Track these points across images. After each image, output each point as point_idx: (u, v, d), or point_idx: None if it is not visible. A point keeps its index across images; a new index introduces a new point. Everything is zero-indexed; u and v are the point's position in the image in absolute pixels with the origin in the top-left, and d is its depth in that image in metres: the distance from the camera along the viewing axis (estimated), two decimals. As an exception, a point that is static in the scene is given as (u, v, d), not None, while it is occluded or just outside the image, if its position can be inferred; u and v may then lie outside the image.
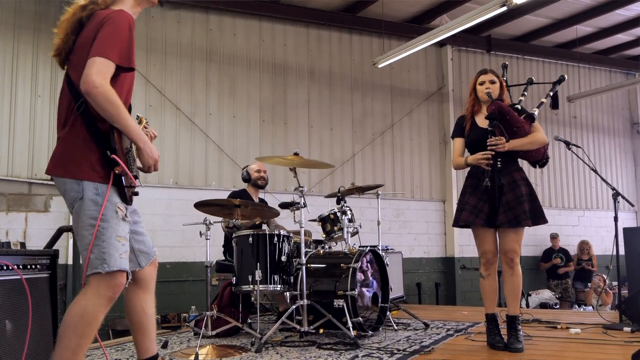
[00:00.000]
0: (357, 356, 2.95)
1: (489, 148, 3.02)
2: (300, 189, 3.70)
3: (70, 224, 5.73)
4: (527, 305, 6.64)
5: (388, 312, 3.88)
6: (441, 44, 8.32)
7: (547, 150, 3.30)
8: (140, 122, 2.22)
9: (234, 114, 7.06)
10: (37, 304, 2.32)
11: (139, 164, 2.01)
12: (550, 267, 8.72)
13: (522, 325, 4.06)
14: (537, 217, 3.10)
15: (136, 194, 1.97)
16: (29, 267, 2.29)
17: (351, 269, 3.56)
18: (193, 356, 2.98)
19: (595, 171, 4.14)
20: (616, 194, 4.05)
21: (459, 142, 3.30)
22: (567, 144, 4.25)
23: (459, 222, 3.20)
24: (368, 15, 7.80)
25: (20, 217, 5.86)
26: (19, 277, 2.21)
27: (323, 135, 7.65)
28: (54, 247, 3.81)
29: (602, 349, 3.17)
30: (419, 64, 8.42)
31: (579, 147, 4.39)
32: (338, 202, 4.09)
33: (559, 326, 3.95)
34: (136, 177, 1.98)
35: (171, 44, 6.74)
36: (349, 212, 4.00)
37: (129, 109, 2.05)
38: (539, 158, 3.27)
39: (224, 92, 7.02)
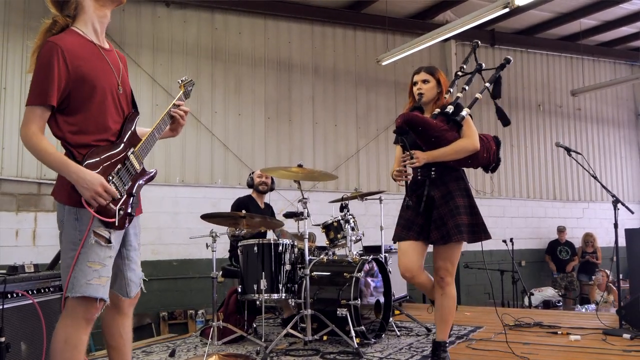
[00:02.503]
0: (359, 368, 3.04)
1: (402, 165, 2.69)
2: (304, 200, 3.77)
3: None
4: (530, 304, 6.71)
5: (391, 318, 3.97)
6: (445, 38, 8.29)
7: (493, 152, 2.89)
8: (180, 87, 2.28)
9: (239, 111, 7.11)
10: (50, 325, 2.41)
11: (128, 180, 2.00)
12: (557, 260, 8.80)
13: (524, 329, 4.18)
14: (476, 233, 2.73)
15: (130, 214, 1.96)
16: (42, 290, 2.38)
17: (354, 279, 3.65)
18: (201, 366, 3.09)
19: (595, 177, 4.16)
20: (616, 201, 4.08)
21: (398, 150, 2.92)
22: (568, 150, 4.28)
23: (394, 238, 2.91)
24: (372, 11, 7.78)
25: (29, 217, 5.97)
26: (32, 302, 2.30)
27: (327, 131, 7.69)
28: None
29: (600, 359, 3.24)
30: (422, 59, 8.39)
31: (579, 153, 4.42)
32: (341, 210, 4.16)
33: (559, 332, 4.02)
34: (131, 195, 1.97)
35: (177, 44, 6.77)
36: (352, 220, 4.08)
37: (134, 109, 2.07)
38: (483, 163, 2.88)
39: (229, 90, 7.06)
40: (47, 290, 2.41)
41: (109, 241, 1.89)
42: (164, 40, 6.70)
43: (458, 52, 8.66)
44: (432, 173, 2.80)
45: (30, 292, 2.29)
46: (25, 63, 6.01)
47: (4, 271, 2.27)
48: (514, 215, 9.08)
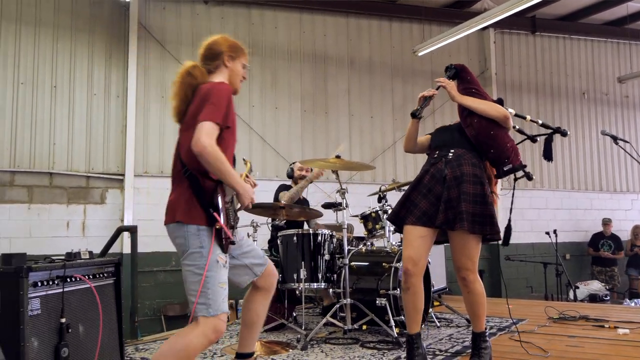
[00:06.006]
0: (399, 357, 3.07)
1: (435, 82, 2.84)
2: (342, 190, 3.81)
3: (126, 222, 6.04)
4: (575, 298, 6.54)
5: (430, 309, 3.98)
6: (483, 27, 8.15)
7: (519, 159, 2.75)
8: (245, 164, 2.65)
9: (276, 105, 7.20)
10: (105, 308, 2.55)
11: (237, 205, 2.29)
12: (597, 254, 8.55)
13: (569, 322, 4.10)
14: (481, 225, 2.58)
15: (232, 243, 2.22)
16: (97, 276, 2.52)
17: (393, 268, 3.67)
18: (244, 352, 3.19)
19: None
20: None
21: (411, 125, 2.94)
22: (615, 139, 4.13)
23: (390, 217, 2.84)
24: (407, 2, 7.74)
25: (79, 209, 6.24)
26: (89, 286, 2.43)
27: (363, 124, 7.70)
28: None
29: (649, 352, 3.16)
30: (460, 49, 8.29)
31: (627, 142, 4.27)
32: (379, 201, 4.17)
33: (606, 325, 3.91)
34: (233, 227, 2.25)
35: (215, 40, 6.90)
36: (390, 210, 4.08)
37: (233, 158, 2.34)
38: (504, 155, 2.70)
39: (266, 84, 7.17)
40: (101, 275, 2.55)
41: (225, 263, 2.18)
42: (203, 37, 6.67)
43: (497, 41, 8.50)
44: (450, 154, 2.73)
45: (87, 277, 2.42)
46: (73, 63, 6.27)
47: (62, 257, 2.41)
48: (558, 207, 8.86)
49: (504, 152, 2.71)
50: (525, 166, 2.79)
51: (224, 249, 2.16)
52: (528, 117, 3.07)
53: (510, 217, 2.83)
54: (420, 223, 2.64)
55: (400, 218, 2.73)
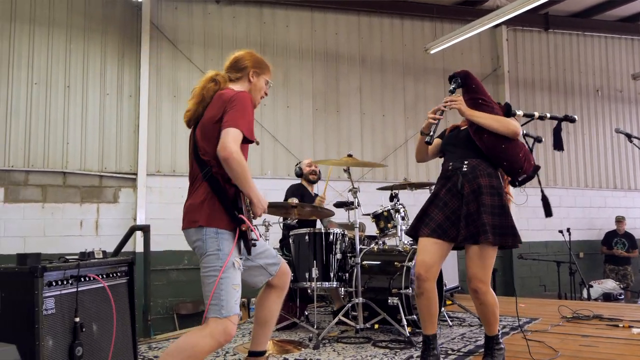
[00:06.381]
0: (412, 356, 3.06)
1: (443, 104, 2.73)
2: (354, 189, 3.80)
3: (139, 221, 6.07)
4: (589, 297, 6.47)
5: (442, 308, 3.96)
6: (495, 24, 8.08)
7: (532, 165, 2.73)
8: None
9: (287, 104, 7.21)
10: (118, 307, 2.56)
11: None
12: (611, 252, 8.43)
13: (582, 322, 4.07)
14: (504, 235, 2.57)
15: (254, 245, 2.25)
16: (110, 275, 2.54)
17: (405, 268, 3.66)
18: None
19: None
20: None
21: (419, 141, 2.94)
22: (629, 136, 4.08)
23: (408, 231, 2.84)
24: (419, -1, 7.69)
25: (92, 208, 6.29)
26: (102, 285, 2.45)
27: (375, 122, 7.68)
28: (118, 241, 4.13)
29: (664, 352, 3.12)
30: (472, 46, 8.23)
31: (642, 139, 4.22)
32: (391, 200, 4.16)
33: (621, 324, 3.87)
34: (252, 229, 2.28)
35: (227, 39, 6.94)
36: (402, 209, 4.07)
37: None
38: (517, 166, 2.67)
39: (277, 83, 7.16)
40: (115, 274, 2.57)
41: (240, 266, 2.19)
42: (215, 36, 6.88)
43: (510, 38, 8.42)
44: (464, 166, 2.69)
45: (100, 276, 2.44)
46: (86, 63, 6.32)
47: (76, 256, 2.43)
48: (571, 205, 8.77)
49: (516, 163, 2.68)
50: (539, 168, 2.77)
51: (249, 251, 2.20)
52: (536, 114, 2.98)
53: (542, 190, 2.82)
54: (435, 235, 2.65)
55: (416, 231, 2.75)
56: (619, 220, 8.47)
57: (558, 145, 2.95)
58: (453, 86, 2.73)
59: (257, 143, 2.49)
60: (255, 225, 2.30)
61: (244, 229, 2.14)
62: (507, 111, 2.75)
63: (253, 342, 2.49)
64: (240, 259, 2.21)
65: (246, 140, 2.17)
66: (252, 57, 2.42)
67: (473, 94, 2.73)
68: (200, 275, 2.17)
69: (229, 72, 2.39)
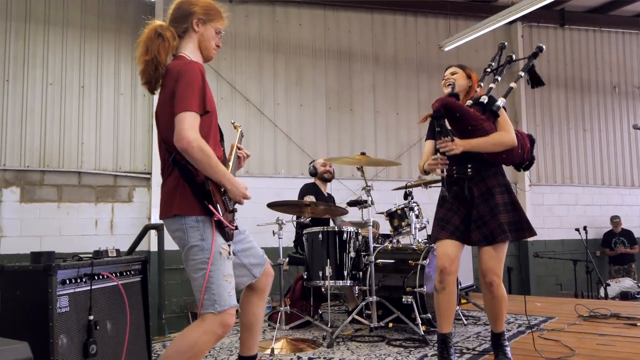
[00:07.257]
0: (426, 355, 3.02)
1: (440, 152, 2.59)
2: (368, 188, 3.77)
3: (153, 220, 6.07)
4: (606, 296, 6.37)
5: (457, 306, 3.91)
6: (510, 20, 7.99)
7: (528, 149, 2.75)
8: (235, 129, 2.43)
9: (301, 102, 7.20)
10: (132, 306, 2.57)
11: None
12: (612, 251, 8.29)
13: (599, 320, 4.00)
14: (520, 230, 2.62)
15: (236, 227, 2.10)
16: (124, 273, 2.54)
17: (419, 266, 3.62)
18: (269, 350, 3.19)
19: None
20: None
21: (429, 145, 2.91)
22: (649, 133, 4.02)
23: (432, 239, 2.81)
24: (433, -4, 7.62)
25: (107, 208, 6.35)
26: (116, 283, 2.46)
27: (389, 120, 7.64)
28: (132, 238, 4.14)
29: (684, 352, 3.05)
30: (487, 43, 8.13)
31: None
32: (405, 198, 4.12)
33: (638, 323, 3.82)
34: (233, 211, 2.10)
35: (240, 38, 6.95)
36: (416, 207, 4.04)
37: (221, 134, 2.18)
38: (517, 160, 2.72)
39: (291, 81, 7.17)
40: (129, 273, 2.57)
41: (230, 253, 2.03)
42: (227, 35, 6.84)
43: (525, 35, 8.31)
44: (469, 170, 2.66)
45: (114, 275, 2.44)
46: (100, 63, 6.37)
47: (90, 254, 2.44)
48: (588, 203, 8.64)
49: (517, 159, 2.73)
50: (534, 141, 2.81)
51: (227, 237, 2.01)
52: (513, 85, 2.79)
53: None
54: (454, 237, 2.65)
55: (434, 237, 2.74)
56: (614, 220, 8.36)
57: (536, 81, 2.79)
58: (438, 129, 2.59)
59: (236, 127, 2.37)
60: (233, 209, 2.10)
61: (215, 219, 1.95)
62: (494, 114, 2.63)
63: (242, 347, 2.34)
64: (229, 245, 2.03)
65: (204, 113, 1.96)
66: (197, 2, 2.12)
67: (460, 124, 2.61)
68: (186, 268, 2.01)
69: (174, 25, 2.09)
